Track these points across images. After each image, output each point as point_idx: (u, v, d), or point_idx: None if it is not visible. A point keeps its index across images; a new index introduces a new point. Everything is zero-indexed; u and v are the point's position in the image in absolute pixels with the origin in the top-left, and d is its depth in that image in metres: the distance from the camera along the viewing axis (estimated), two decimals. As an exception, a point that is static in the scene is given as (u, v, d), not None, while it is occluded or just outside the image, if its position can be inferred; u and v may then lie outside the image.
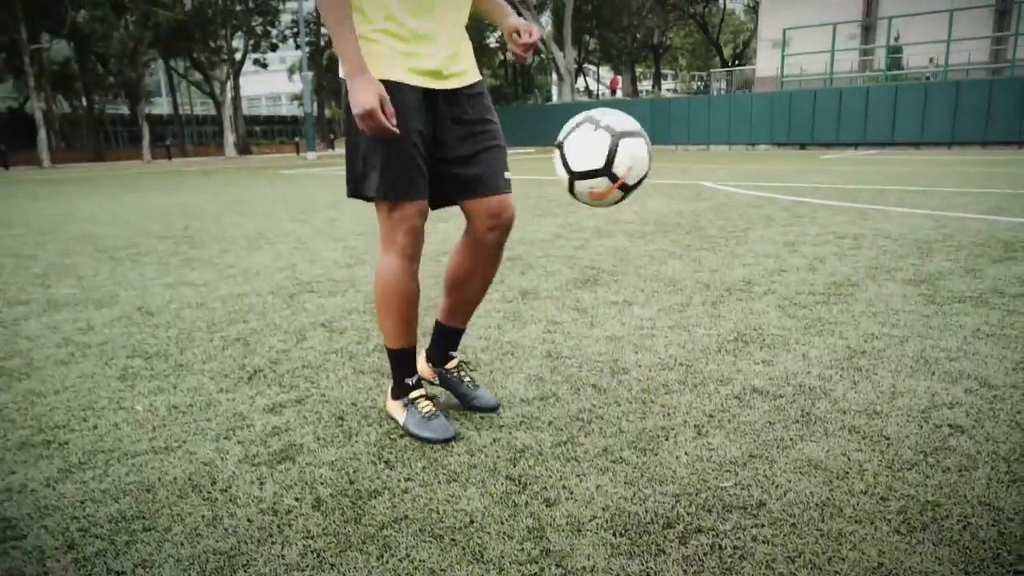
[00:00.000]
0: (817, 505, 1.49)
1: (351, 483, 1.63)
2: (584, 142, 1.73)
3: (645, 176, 1.79)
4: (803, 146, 25.95)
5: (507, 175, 1.90)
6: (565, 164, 1.76)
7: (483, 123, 1.83)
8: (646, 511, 1.48)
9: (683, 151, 27.09)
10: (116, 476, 1.69)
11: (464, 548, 1.36)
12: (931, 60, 26.36)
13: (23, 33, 29.31)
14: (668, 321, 2.95)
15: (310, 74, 31.34)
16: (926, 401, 2.05)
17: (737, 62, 52.15)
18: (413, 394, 1.92)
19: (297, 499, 1.56)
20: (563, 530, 1.41)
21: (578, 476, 1.64)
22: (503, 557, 1.33)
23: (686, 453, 1.75)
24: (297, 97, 62.57)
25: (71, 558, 1.35)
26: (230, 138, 38.18)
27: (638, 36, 42.13)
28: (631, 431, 1.89)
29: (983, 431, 1.84)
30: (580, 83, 49.88)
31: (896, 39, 27.07)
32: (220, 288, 3.83)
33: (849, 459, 1.70)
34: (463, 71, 1.80)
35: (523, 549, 1.35)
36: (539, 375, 2.33)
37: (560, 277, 3.88)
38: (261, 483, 1.64)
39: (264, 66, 42.58)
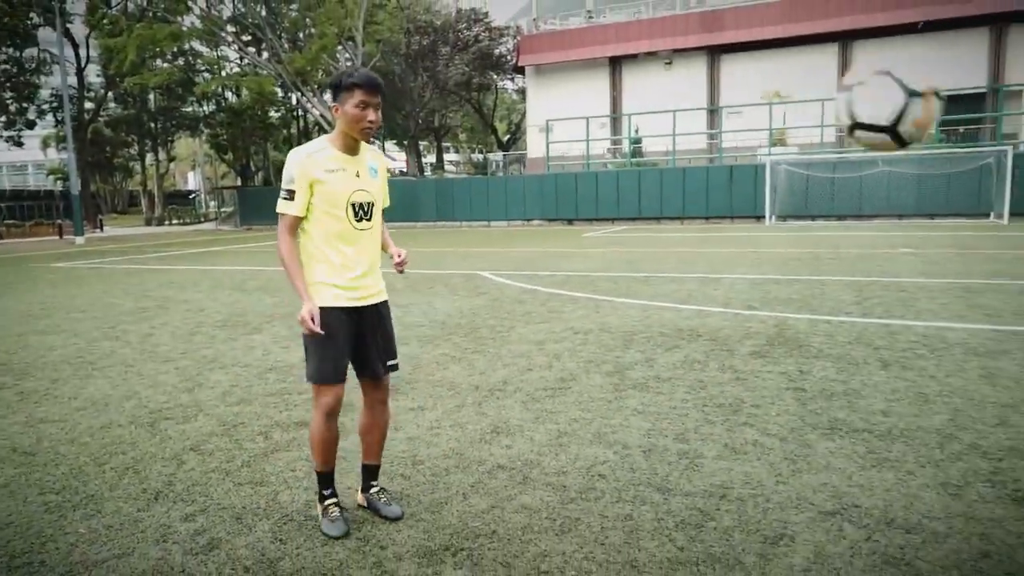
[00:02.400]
0: (528, 527, 2.89)
1: (263, 555, 2.74)
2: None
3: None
4: (570, 221, 29.53)
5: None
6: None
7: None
8: (433, 541, 2.78)
9: (467, 228, 29.49)
10: None
11: (339, 578, 2.56)
12: (666, 150, 31.54)
13: None
14: (448, 421, 4.32)
15: (74, 156, 29.49)
16: (591, 460, 3.59)
17: (513, 137, 57.22)
18: (327, 502, 3.01)
19: (232, 571, 2.64)
20: (392, 550, 2.66)
21: (396, 525, 2.90)
22: (361, 578, 2.55)
23: (457, 510, 3.08)
24: (55, 171, 57.08)
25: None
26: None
27: (420, 119, 44.80)
28: (425, 500, 3.19)
29: (616, 475, 3.39)
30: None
31: (636, 131, 32.07)
32: (80, 422, 4.53)
33: (544, 501, 3.14)
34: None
35: None
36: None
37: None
38: (205, 566, 2.69)
39: (20, 144, 38.88)
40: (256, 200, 38.63)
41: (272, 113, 45.96)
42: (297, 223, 2.85)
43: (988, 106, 28.72)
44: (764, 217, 25.68)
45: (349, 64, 35.37)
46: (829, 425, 4.03)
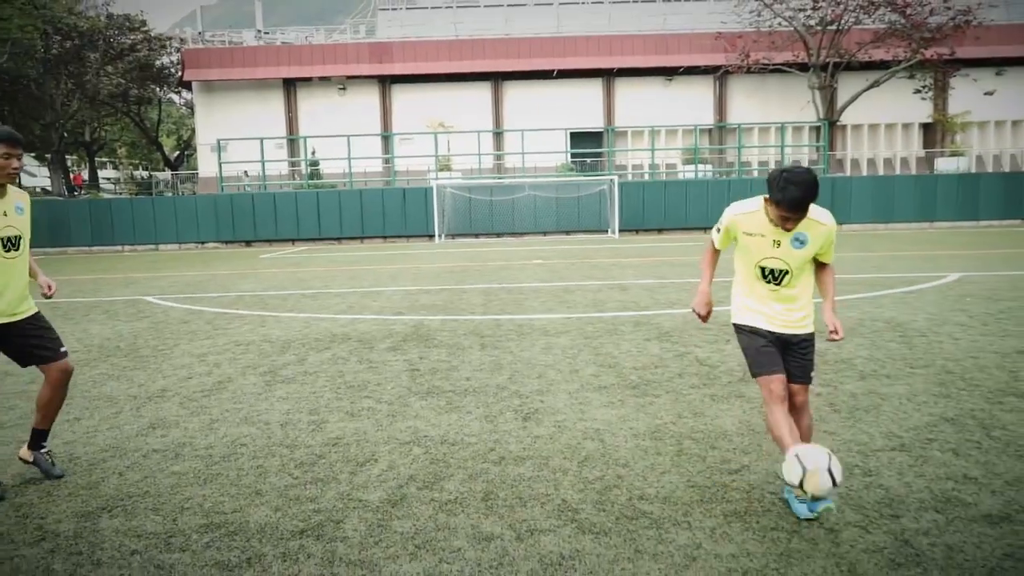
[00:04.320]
0: (176, 485, 3.68)
1: None
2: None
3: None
4: (248, 243, 28.98)
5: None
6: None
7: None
8: (89, 506, 3.44)
9: (130, 252, 27.23)
10: None
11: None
12: (343, 171, 32.64)
13: None
14: (106, 425, 4.81)
15: None
16: (236, 436, 4.47)
17: (183, 154, 53.34)
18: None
19: None
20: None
21: (53, 498, 3.48)
22: (23, 539, 3.13)
23: (113, 484, 3.74)
24: None
25: None
26: None
27: (66, 132, 39.70)
28: (83, 482, 3.78)
29: (256, 443, 4.32)
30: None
31: (313, 153, 32.70)
32: None
33: (192, 467, 3.95)
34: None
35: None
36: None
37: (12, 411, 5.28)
38: None
39: None
40: None
41: None
42: None
43: (604, 142, 35.25)
44: (434, 235, 28.25)
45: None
46: (427, 391, 5.45)
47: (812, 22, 31.46)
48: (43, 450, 3.84)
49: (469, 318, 8.86)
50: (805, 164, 30.16)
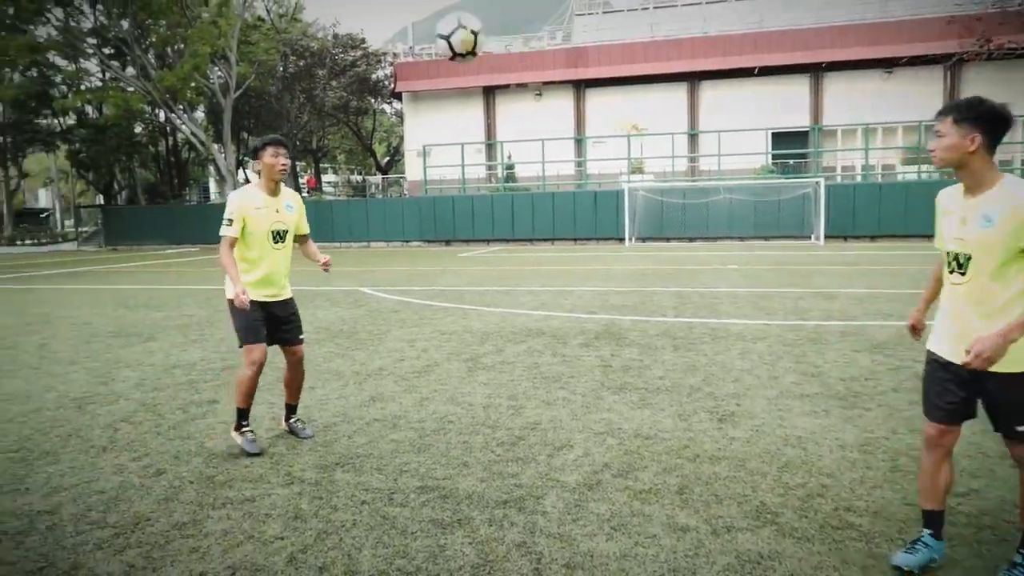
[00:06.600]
0: (396, 451, 4.11)
1: (201, 473, 3.80)
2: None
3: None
4: (447, 242, 30.86)
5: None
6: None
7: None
8: (326, 460, 3.94)
9: (346, 248, 30.12)
10: None
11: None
12: (537, 175, 33.67)
13: None
14: (335, 395, 5.46)
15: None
16: (444, 413, 4.86)
17: (392, 159, 58.02)
18: (244, 428, 4.15)
19: (179, 484, 3.69)
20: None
21: (297, 451, 4.04)
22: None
23: (343, 444, 4.25)
24: None
25: None
26: None
27: (297, 141, 44.83)
28: (319, 440, 4.33)
29: (461, 421, 4.68)
30: (241, 175, 50.56)
31: (509, 157, 34.05)
32: (11, 408, 5.27)
33: (408, 437, 4.37)
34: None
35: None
36: (268, 422, 4.64)
37: (265, 378, 6.14)
38: (158, 482, 3.71)
39: None
40: (123, 219, 37.27)
41: (138, 129, 44.37)
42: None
43: (809, 143, 32.96)
44: (624, 238, 28.18)
45: (222, 82, 35.17)
46: (619, 387, 5.54)
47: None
48: (293, 420, 4.47)
49: (661, 319, 8.80)
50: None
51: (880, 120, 31.50)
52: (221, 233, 4.02)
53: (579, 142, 35.82)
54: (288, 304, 4.30)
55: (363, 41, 43.81)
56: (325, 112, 44.98)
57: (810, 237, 26.94)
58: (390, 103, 51.17)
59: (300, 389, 4.51)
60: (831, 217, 26.16)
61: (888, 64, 32.76)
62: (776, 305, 9.81)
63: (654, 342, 7.30)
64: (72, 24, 34.37)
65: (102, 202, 46.76)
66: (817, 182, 26.42)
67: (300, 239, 4.42)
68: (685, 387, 5.47)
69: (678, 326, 8.26)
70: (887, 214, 26.23)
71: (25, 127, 45.53)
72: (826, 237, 25.82)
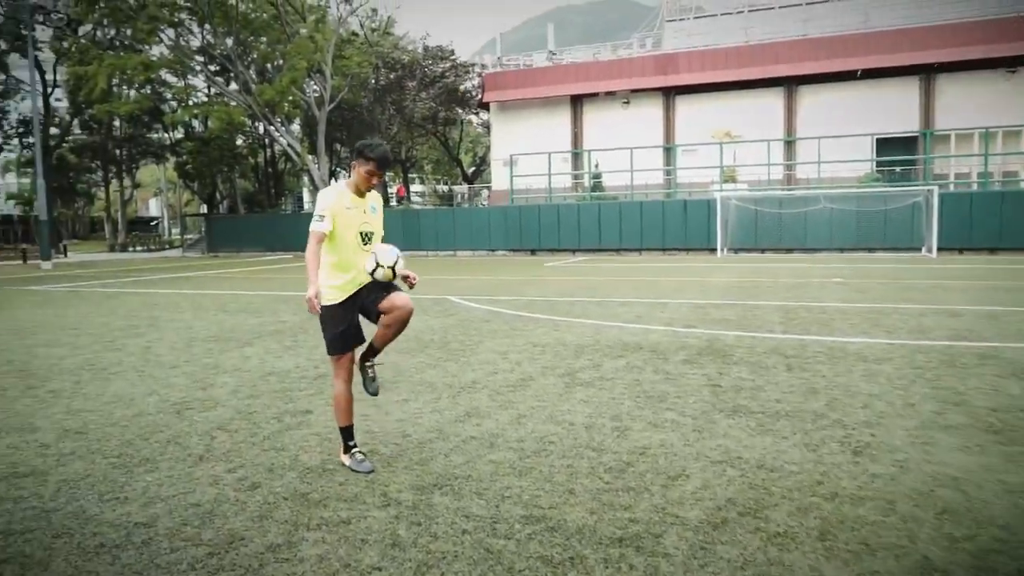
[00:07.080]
0: (495, 472, 3.83)
1: (295, 490, 3.64)
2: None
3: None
4: (533, 251, 30.67)
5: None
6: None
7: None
8: (424, 481, 3.70)
9: (433, 257, 30.40)
10: None
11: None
12: (625, 184, 33.08)
13: None
14: (429, 408, 5.25)
15: (43, 181, 29.70)
16: (544, 433, 4.55)
17: (478, 169, 58.58)
18: (352, 449, 3.98)
19: (273, 500, 3.53)
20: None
21: (393, 471, 3.82)
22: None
23: (441, 464, 4.01)
24: (14, 197, 56.75)
25: None
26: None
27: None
28: (416, 458, 4.11)
29: (563, 442, 4.36)
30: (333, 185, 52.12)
31: (596, 166, 33.60)
32: (114, 412, 5.34)
33: (507, 458, 4.09)
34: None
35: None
36: (366, 442, 4.47)
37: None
38: (253, 497, 3.57)
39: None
40: (224, 227, 39.05)
41: (239, 142, 46.56)
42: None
43: (919, 149, 30.91)
44: (716, 249, 27.18)
45: (316, 96, 36.37)
46: (733, 409, 5.08)
47: None
48: (369, 364, 4.22)
49: (768, 336, 8.21)
50: None
51: (1001, 124, 29.19)
52: (312, 228, 3.86)
53: (668, 150, 34.95)
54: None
55: (452, 53, 44.43)
56: (414, 123, 45.85)
57: (920, 249, 25.18)
58: (477, 113, 51.66)
59: (387, 342, 4.15)
60: (944, 228, 24.35)
61: (1011, 63, 30.37)
62: (896, 322, 9.01)
63: (764, 360, 6.76)
64: (182, 43, 36.39)
65: (205, 211, 49.28)
66: (930, 190, 24.65)
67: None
68: (808, 412, 4.95)
69: (788, 343, 7.67)
70: (1010, 225, 24.21)
71: (139, 140, 48.65)
72: (938, 249, 24.04)
